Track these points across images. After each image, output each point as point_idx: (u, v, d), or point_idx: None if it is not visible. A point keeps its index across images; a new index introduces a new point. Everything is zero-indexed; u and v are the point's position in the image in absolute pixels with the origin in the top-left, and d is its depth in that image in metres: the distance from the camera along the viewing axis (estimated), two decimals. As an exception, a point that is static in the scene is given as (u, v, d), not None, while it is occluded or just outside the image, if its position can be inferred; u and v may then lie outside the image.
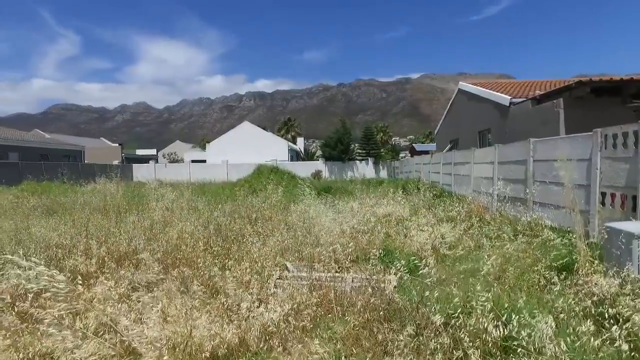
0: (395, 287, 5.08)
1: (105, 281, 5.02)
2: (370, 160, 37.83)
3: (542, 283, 4.41)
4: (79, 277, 5.03)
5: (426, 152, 31.20)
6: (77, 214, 9.32)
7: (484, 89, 17.69)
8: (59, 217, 8.83)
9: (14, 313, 3.64)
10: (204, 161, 42.46)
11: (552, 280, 4.22)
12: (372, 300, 3.70)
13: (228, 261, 5.22)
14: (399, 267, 5.95)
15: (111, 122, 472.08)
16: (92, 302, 3.79)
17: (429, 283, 4.03)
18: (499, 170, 10.28)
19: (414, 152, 46.91)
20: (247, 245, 6.16)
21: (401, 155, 54.00)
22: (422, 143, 71.14)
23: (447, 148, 22.70)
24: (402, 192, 13.89)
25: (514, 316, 3.16)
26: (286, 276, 5.62)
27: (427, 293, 3.85)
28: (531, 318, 3.08)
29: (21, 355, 3.15)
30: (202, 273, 4.87)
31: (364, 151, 39.69)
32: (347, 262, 5.75)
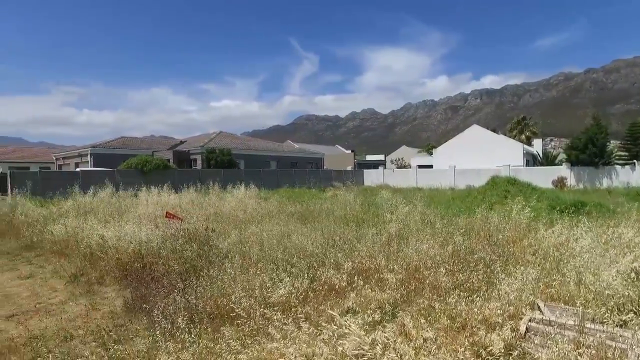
0: None
1: (355, 298, 5.52)
2: (638, 165, 30.18)
3: None
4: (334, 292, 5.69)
5: None
6: (323, 222, 10.60)
7: None
8: (310, 225, 10.13)
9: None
10: (431, 166, 42.52)
11: None
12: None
13: (475, 296, 4.89)
14: None
15: (343, 128, 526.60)
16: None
17: None
18: None
19: None
20: (493, 276, 5.69)
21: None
22: None
23: None
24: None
25: None
26: (540, 319, 4.90)
27: None
28: None
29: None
30: (447, 307, 4.72)
31: (627, 153, 31.98)
32: (623, 314, 4.60)
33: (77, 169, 29.47)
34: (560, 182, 30.31)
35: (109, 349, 4.19)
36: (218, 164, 34.12)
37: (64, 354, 4.34)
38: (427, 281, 5.56)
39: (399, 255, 6.85)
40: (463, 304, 4.65)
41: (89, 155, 36.18)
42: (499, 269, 5.96)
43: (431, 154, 49.20)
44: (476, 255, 6.66)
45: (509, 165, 33.18)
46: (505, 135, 51.46)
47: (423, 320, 4.37)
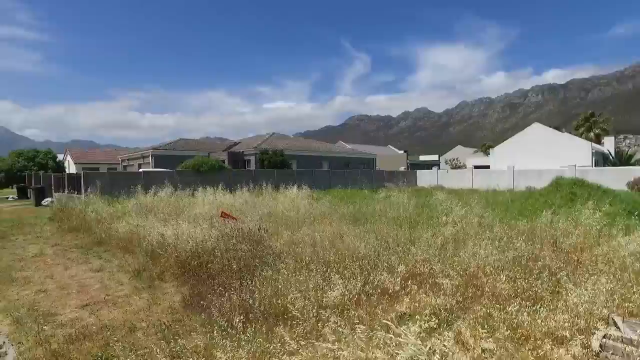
0: None
1: (409, 302, 5.36)
2: None
3: None
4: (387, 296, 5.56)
5: None
6: (376, 223, 10.42)
7: None
8: (362, 226, 10.00)
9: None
10: (487, 167, 40.69)
11: None
12: None
13: (538, 306, 4.58)
14: None
15: (395, 128, 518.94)
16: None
17: None
18: None
19: None
20: (559, 286, 5.29)
21: None
22: None
23: None
24: None
25: None
26: (617, 337, 4.47)
27: None
28: None
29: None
30: (507, 316, 4.45)
31: None
32: None
33: (140, 170, 31.25)
34: (637, 184, 27.72)
35: (170, 342, 4.36)
36: (271, 164, 34.77)
37: (130, 344, 4.59)
38: (486, 288, 5.28)
39: (455, 260, 6.58)
40: (525, 314, 4.36)
41: (150, 157, 38.32)
42: (565, 278, 5.55)
43: (488, 153, 47.15)
44: (540, 263, 6.25)
45: (575, 165, 30.95)
46: (570, 133, 48.16)
47: (482, 330, 4.15)
